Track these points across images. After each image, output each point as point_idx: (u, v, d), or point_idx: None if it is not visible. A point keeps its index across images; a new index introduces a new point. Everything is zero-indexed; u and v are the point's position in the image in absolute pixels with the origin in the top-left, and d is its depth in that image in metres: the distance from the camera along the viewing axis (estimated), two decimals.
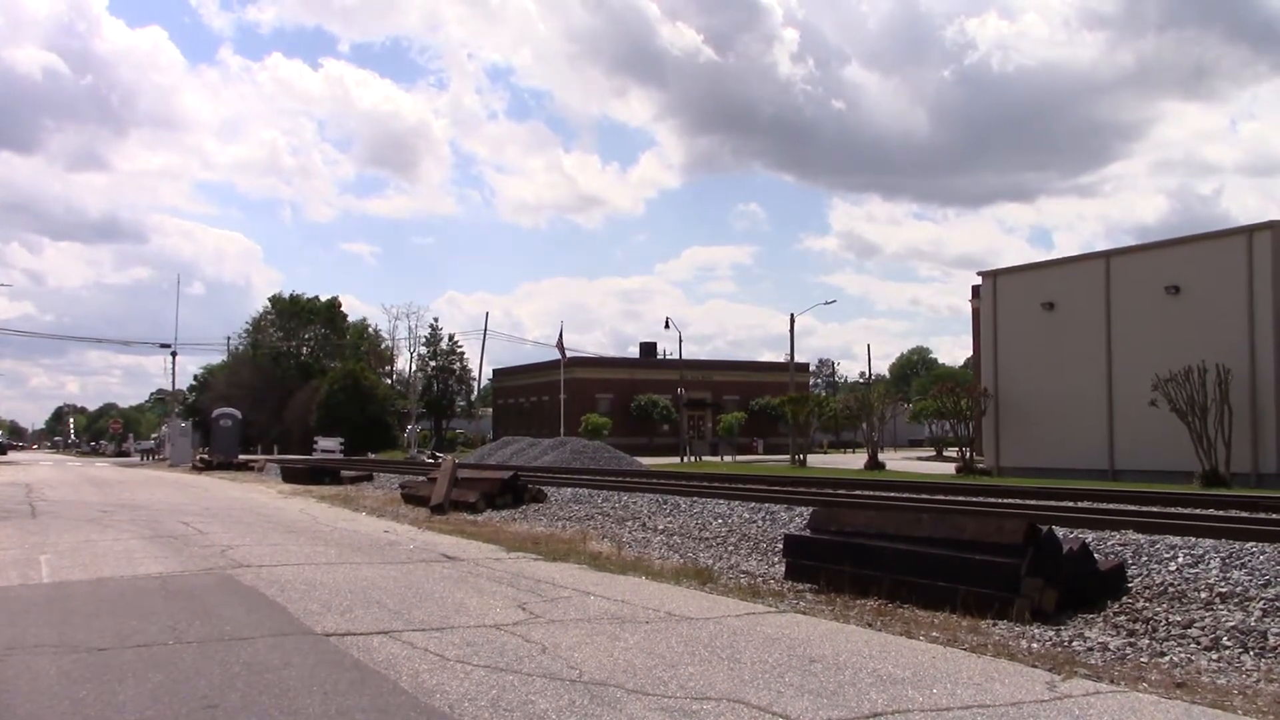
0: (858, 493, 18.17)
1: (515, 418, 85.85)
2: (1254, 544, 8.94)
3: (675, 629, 7.30)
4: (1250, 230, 30.03)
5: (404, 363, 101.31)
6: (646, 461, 46.64)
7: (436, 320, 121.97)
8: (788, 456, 53.07)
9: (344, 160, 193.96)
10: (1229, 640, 7.01)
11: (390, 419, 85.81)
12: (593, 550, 12.61)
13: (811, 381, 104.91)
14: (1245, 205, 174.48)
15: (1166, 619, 7.60)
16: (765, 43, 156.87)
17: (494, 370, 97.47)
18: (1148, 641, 7.23)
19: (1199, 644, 7.05)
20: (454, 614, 7.84)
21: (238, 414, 57.96)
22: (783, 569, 10.29)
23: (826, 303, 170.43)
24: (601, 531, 15.02)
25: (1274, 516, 12.84)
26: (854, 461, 49.91)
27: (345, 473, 31.83)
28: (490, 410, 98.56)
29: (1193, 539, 9.45)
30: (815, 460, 51.85)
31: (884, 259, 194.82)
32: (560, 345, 69.22)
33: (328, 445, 66.27)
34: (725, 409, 77.01)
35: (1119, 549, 9.35)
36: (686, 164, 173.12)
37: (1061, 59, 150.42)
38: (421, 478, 24.01)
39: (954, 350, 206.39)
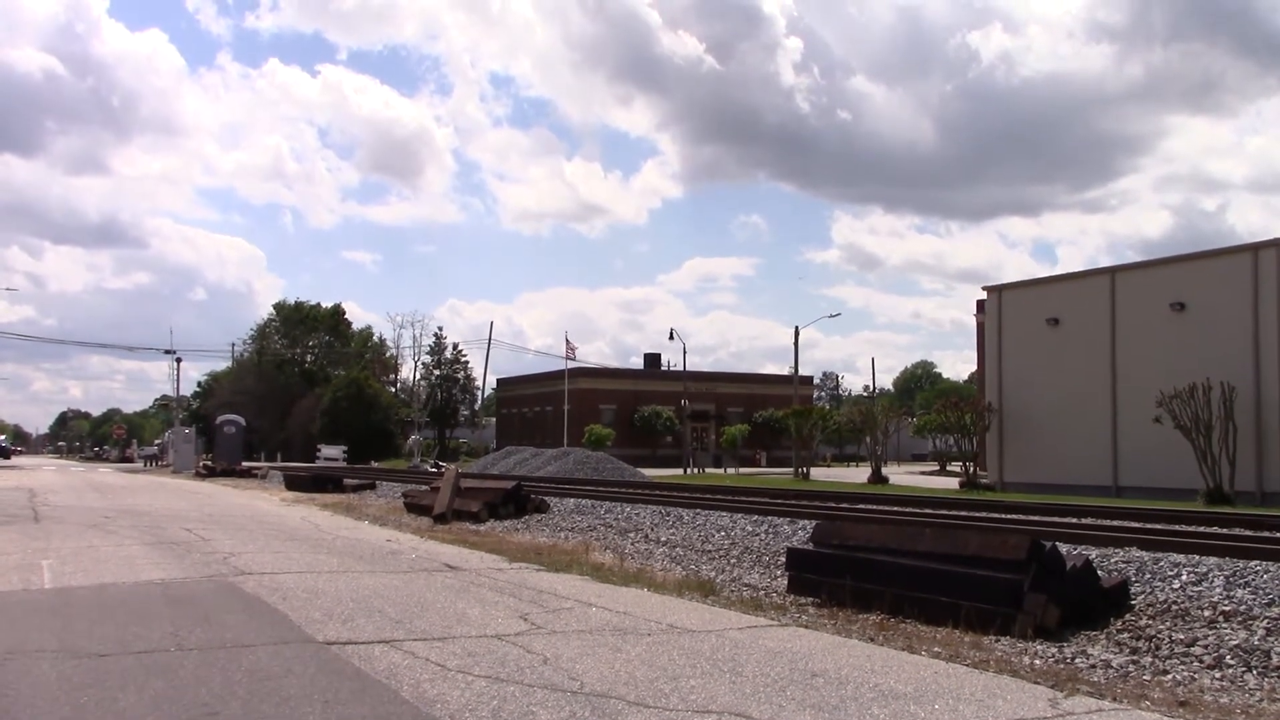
0: (861, 506, 18.14)
1: (518, 428, 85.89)
2: (1258, 562, 8.93)
3: (677, 641, 7.29)
4: (1256, 248, 30.05)
5: (408, 371, 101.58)
6: (649, 473, 46.59)
7: (441, 329, 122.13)
8: (791, 469, 53.00)
9: (346, 167, 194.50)
10: (1232, 659, 6.99)
11: (393, 428, 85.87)
12: (595, 561, 12.59)
13: (815, 394, 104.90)
14: (1249, 221, 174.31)
15: (1170, 637, 7.57)
16: (768, 52, 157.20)
17: (498, 380, 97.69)
18: (1151, 659, 7.21)
19: (1202, 662, 7.03)
20: (456, 624, 7.83)
21: (241, 421, 58.05)
22: (785, 582, 10.27)
23: (830, 316, 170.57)
24: (604, 543, 15.00)
25: (1278, 535, 12.80)
26: (857, 475, 49.83)
27: (348, 481, 31.83)
28: (494, 420, 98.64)
29: (1196, 557, 9.43)
30: (818, 473, 51.77)
31: (886, 272, 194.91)
32: (568, 350, 69.66)
33: (331, 453, 66.27)
34: (729, 421, 76.94)
35: (1122, 566, 9.33)
36: (689, 173, 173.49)
37: (1067, 72, 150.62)
38: (424, 487, 24.01)
39: (957, 364, 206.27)
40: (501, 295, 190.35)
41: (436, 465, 53.28)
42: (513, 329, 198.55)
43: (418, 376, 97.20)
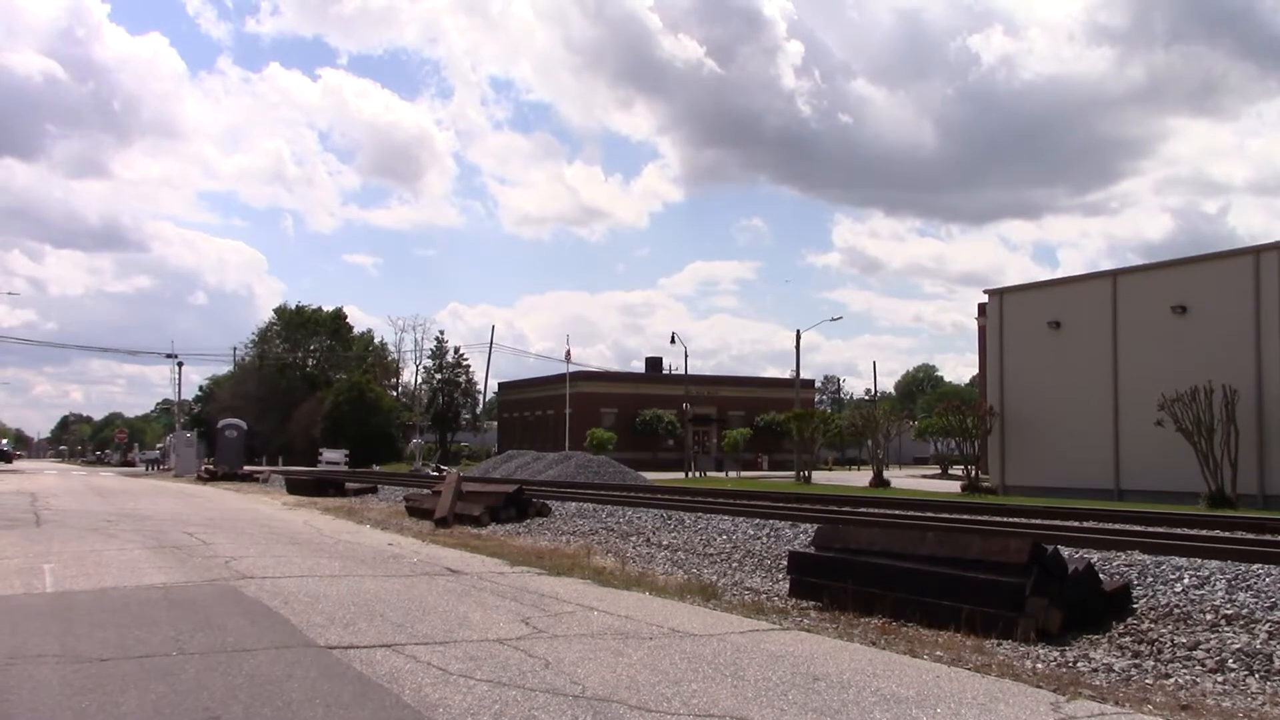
0: (862, 510, 18.14)
1: (520, 431, 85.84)
2: (1260, 566, 8.91)
3: (679, 645, 7.28)
4: (1258, 251, 30.02)
5: (410, 375, 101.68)
6: (651, 476, 46.57)
7: (442, 333, 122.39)
8: (793, 473, 52.99)
9: (346, 170, 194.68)
10: (1234, 663, 6.98)
11: (395, 431, 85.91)
12: (597, 565, 12.59)
13: (817, 398, 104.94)
14: (1251, 224, 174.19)
15: (1172, 641, 7.56)
16: (768, 55, 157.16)
17: (499, 383, 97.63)
18: (1153, 663, 7.20)
19: (1204, 666, 7.02)
20: (457, 628, 7.83)
21: (243, 425, 58.01)
22: (787, 586, 10.26)
23: (832, 319, 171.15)
24: (605, 546, 15.00)
25: None
26: (859, 478, 49.82)
27: (349, 485, 31.83)
28: (495, 424, 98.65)
29: (1199, 560, 9.42)
30: (820, 477, 51.75)
31: (887, 275, 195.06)
32: (567, 354, 69.72)
33: (332, 457, 66.34)
34: (730, 424, 76.93)
35: (1124, 569, 9.32)
36: (689, 176, 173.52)
37: (1068, 74, 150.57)
38: (426, 491, 24.01)
39: (959, 368, 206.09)
40: (502, 299, 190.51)
41: (438, 469, 53.31)
42: (514, 333, 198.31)
43: (419, 380, 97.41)
